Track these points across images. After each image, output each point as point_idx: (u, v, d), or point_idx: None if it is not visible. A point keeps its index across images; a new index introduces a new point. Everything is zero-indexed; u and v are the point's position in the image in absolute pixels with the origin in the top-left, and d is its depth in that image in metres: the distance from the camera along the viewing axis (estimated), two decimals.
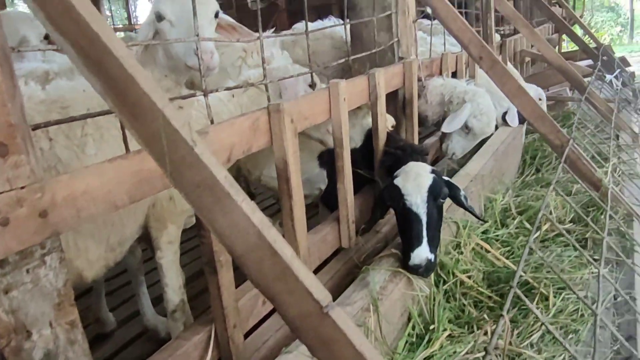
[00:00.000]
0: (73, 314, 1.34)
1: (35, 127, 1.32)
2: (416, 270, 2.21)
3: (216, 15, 2.31)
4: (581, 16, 20.32)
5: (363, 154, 2.76)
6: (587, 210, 3.25)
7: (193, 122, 2.16)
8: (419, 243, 2.22)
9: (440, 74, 3.69)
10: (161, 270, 2.22)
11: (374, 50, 2.95)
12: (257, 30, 2.04)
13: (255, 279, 1.11)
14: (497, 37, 5.44)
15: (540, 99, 4.63)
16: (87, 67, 1.12)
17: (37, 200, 1.16)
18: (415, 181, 2.32)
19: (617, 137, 4.86)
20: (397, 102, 3.19)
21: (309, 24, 4.27)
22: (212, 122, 1.79)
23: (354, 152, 2.60)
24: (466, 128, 3.44)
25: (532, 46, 6.72)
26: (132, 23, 12.77)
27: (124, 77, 1.09)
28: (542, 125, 3.20)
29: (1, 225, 1.10)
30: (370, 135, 2.76)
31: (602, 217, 3.02)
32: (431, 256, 2.22)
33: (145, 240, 2.25)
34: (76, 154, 1.68)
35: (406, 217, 2.30)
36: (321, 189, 2.86)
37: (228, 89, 1.95)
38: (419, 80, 3.23)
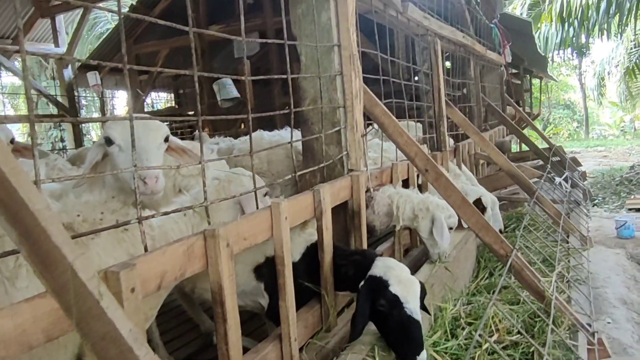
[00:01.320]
0: None
1: None
2: None
3: (166, 139, 2.43)
4: (538, 114, 21.68)
5: (305, 267, 2.80)
6: (534, 320, 3.29)
7: (138, 243, 2.17)
8: (422, 347, 2.35)
9: (391, 182, 3.85)
10: None
11: (322, 165, 3.09)
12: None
13: None
14: (450, 142, 5.73)
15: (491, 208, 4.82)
16: (4, 216, 1.16)
17: None
18: (412, 287, 2.43)
19: (567, 239, 5.03)
20: (347, 212, 3.28)
21: (266, 133, 4.49)
22: (146, 249, 1.82)
23: (294, 265, 2.65)
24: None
25: None
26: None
27: (38, 230, 1.13)
28: (486, 235, 3.32)
29: None
30: (313, 247, 2.81)
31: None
32: None
33: None
34: (5, 288, 1.66)
35: (406, 324, 2.37)
36: (260, 303, 2.84)
37: (165, 213, 2.00)
38: (367, 191, 3.36)
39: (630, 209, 10.76)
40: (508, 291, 3.76)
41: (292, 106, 2.70)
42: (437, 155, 4.90)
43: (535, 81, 20.60)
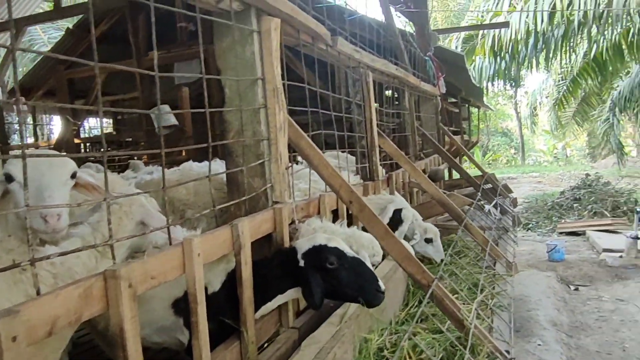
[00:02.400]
0: None
1: None
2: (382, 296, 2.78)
3: (73, 176, 2.35)
4: (477, 141, 22.61)
5: (226, 296, 2.76)
6: (455, 349, 3.36)
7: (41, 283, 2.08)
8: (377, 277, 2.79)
9: (319, 213, 3.87)
10: None
11: (244, 198, 3.07)
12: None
13: None
14: (382, 171, 5.86)
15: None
16: None
17: None
18: (338, 238, 2.86)
19: (494, 266, 5.21)
20: (272, 245, 3.27)
21: (196, 164, 4.43)
22: (38, 292, 1.73)
23: (213, 297, 2.60)
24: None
25: None
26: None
27: None
28: (408, 265, 3.38)
29: None
30: (234, 274, 2.77)
31: (470, 355, 3.13)
32: None
33: None
34: None
35: (358, 265, 2.76)
36: (179, 339, 2.76)
37: (63, 254, 1.92)
38: (292, 223, 3.37)
39: (561, 233, 11.32)
40: (431, 320, 3.83)
41: (209, 140, 2.69)
42: (369, 185, 4.99)
43: (474, 110, 21.58)
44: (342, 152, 5.00)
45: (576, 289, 7.40)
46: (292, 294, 2.90)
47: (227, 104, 3.26)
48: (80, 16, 9.89)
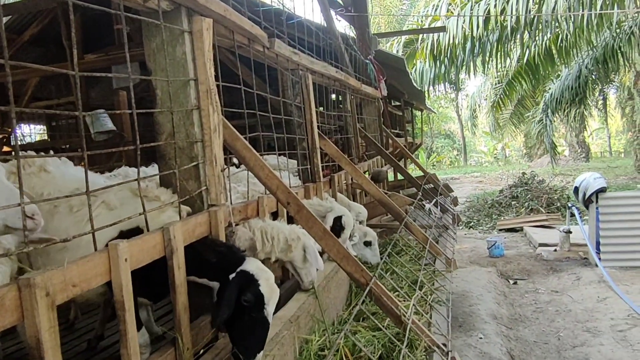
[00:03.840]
0: None
1: None
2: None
3: None
4: (421, 143, 23.18)
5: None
6: (393, 345, 3.41)
7: None
8: (263, 347, 2.62)
9: (258, 215, 3.83)
10: None
11: (177, 200, 3.00)
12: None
13: None
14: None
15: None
16: None
17: None
18: (275, 292, 2.67)
19: (434, 263, 5.34)
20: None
21: (132, 169, 4.28)
22: None
23: None
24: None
25: None
26: None
27: None
28: (347, 265, 3.40)
29: None
30: None
31: (408, 350, 3.19)
32: None
33: None
34: None
35: (260, 324, 2.61)
36: None
37: None
38: (229, 225, 3.32)
39: (500, 230, 11.78)
40: (376, 317, 3.88)
41: (137, 142, 2.60)
42: (310, 187, 5.00)
43: (418, 113, 22.11)
44: (282, 154, 4.99)
45: (515, 283, 7.70)
46: (206, 282, 2.85)
47: (158, 106, 3.17)
48: (8, 17, 9.39)
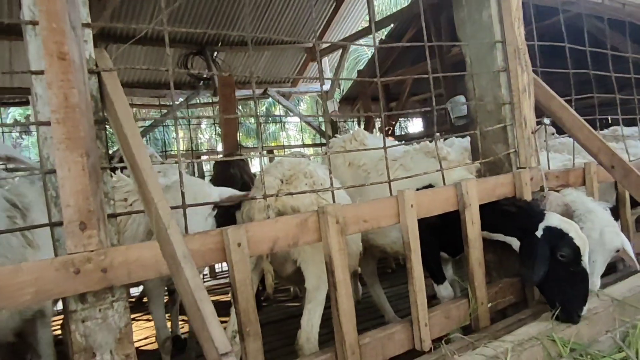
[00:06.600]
0: (130, 349, 1.88)
1: (110, 215, 1.95)
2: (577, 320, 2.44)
3: None
4: None
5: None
6: None
7: None
8: (586, 301, 2.48)
9: (584, 184, 3.42)
10: None
11: (484, 160, 3.06)
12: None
13: (194, 328, 1.50)
14: None
15: None
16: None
17: (100, 261, 1.78)
18: (586, 243, 2.53)
19: None
20: None
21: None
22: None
23: None
24: None
25: None
26: None
27: (142, 182, 1.68)
28: None
29: (74, 273, 1.74)
30: None
31: None
32: None
33: None
34: None
35: (580, 277, 2.50)
36: None
37: None
38: (541, 189, 3.12)
39: None
40: None
41: (433, 105, 2.82)
42: None
43: None
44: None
45: None
46: (510, 241, 2.79)
47: (468, 71, 3.30)
48: (390, 27, 10.99)
